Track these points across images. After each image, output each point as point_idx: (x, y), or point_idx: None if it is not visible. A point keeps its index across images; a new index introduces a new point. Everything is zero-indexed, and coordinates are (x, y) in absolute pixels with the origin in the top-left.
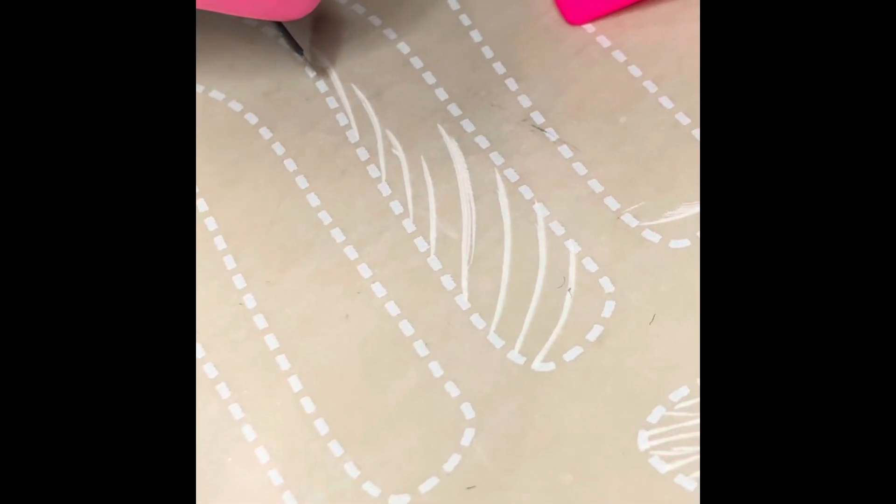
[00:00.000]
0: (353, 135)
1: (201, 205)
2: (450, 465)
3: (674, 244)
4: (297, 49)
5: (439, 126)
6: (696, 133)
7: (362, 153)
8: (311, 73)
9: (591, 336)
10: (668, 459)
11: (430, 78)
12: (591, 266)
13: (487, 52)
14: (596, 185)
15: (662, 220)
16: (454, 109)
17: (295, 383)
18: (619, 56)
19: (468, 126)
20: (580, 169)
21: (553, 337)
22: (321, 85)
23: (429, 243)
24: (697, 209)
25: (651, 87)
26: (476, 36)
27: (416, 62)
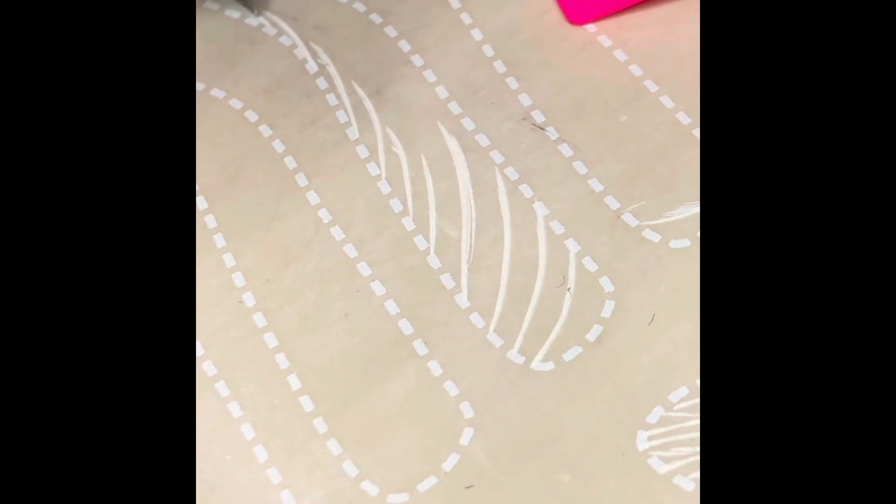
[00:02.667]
0: (353, 132)
1: (201, 202)
2: (448, 465)
3: (674, 244)
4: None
5: (439, 124)
6: (697, 133)
7: (362, 151)
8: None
9: (591, 336)
10: (667, 460)
11: (430, 76)
12: (591, 265)
13: (488, 50)
14: (596, 185)
15: (662, 220)
16: (454, 107)
17: (294, 382)
18: (620, 55)
19: (468, 124)
20: (580, 168)
21: (552, 336)
22: (321, 82)
23: (428, 241)
24: (697, 209)
25: (652, 86)
26: (477, 34)
27: (417, 60)
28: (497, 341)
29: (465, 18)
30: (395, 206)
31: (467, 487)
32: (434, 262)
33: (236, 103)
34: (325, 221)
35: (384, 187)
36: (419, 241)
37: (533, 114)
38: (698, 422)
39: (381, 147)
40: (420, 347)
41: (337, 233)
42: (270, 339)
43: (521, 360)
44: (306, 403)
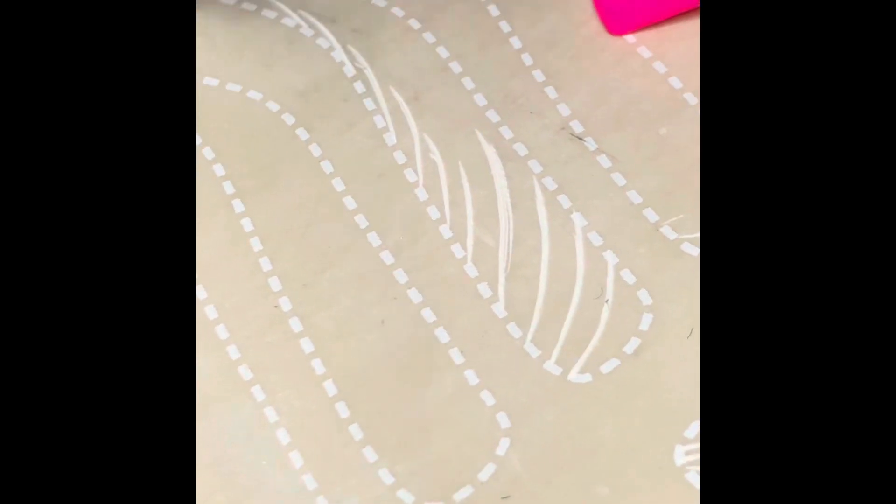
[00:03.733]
0: (391, 138)
1: (237, 205)
2: (484, 475)
3: None
4: None
5: (477, 132)
6: None
7: (399, 157)
8: None
9: (629, 348)
10: None
11: (468, 83)
12: (629, 278)
13: (527, 59)
14: (635, 196)
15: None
16: (493, 115)
17: (330, 388)
18: (660, 67)
19: (506, 133)
20: (619, 179)
21: (590, 348)
22: (359, 86)
23: (465, 250)
24: None
25: (691, 99)
26: (516, 42)
27: (455, 67)
28: (534, 352)
29: (504, 27)
30: (433, 213)
31: (503, 498)
32: (471, 270)
33: (273, 106)
34: (362, 227)
35: (421, 194)
36: (456, 249)
37: (571, 124)
38: None
39: (418, 153)
40: (456, 356)
41: (374, 239)
42: (306, 345)
43: (558, 371)
44: (342, 410)
